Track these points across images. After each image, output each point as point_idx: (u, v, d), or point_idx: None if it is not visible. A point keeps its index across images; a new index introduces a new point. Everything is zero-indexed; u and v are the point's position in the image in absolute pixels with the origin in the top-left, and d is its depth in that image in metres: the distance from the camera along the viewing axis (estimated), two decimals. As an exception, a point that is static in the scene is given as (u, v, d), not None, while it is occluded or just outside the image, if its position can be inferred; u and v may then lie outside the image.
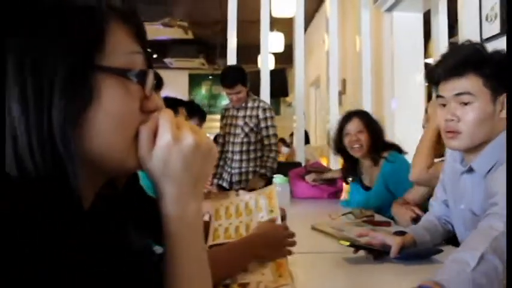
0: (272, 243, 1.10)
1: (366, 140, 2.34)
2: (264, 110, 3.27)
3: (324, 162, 4.86)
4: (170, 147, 0.53)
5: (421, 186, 1.91)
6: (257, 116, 3.27)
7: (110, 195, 0.60)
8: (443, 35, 3.38)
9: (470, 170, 1.29)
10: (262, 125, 3.26)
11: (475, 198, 1.27)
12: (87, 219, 0.50)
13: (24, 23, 0.47)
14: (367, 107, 3.84)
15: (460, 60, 1.25)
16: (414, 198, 1.94)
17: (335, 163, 4.04)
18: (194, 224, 0.58)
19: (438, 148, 1.76)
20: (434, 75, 1.32)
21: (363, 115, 2.45)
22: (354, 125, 2.37)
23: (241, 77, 3.21)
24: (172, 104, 2.32)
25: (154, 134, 0.54)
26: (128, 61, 0.52)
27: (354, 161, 2.47)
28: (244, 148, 3.28)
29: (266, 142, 3.26)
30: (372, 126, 2.39)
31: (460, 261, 0.95)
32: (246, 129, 3.26)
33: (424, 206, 1.79)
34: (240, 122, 3.29)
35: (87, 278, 0.45)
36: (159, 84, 1.27)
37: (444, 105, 1.28)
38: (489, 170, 1.23)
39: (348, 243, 1.33)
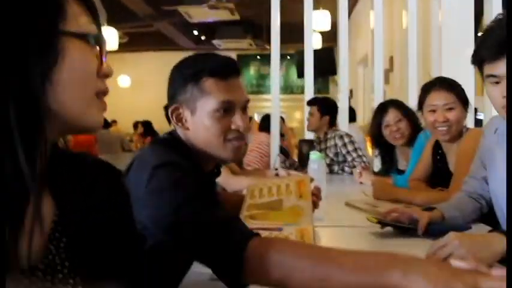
0: None
1: (406, 127, 2.43)
2: (341, 137, 3.25)
3: (368, 142, 4.82)
4: None
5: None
6: (335, 144, 3.24)
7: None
8: (498, 8, 3.21)
9: None
10: (343, 151, 3.21)
11: None
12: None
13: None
14: (413, 84, 3.74)
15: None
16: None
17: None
18: None
19: None
20: (479, 56, 1.25)
21: (398, 104, 2.54)
22: (392, 115, 2.45)
23: (318, 100, 3.45)
24: None
25: None
26: (86, 28, 0.60)
27: (391, 149, 2.59)
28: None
29: (349, 159, 3.20)
30: (408, 112, 2.47)
31: None
32: (327, 161, 3.18)
33: None
34: None
35: None
36: None
37: (497, 82, 1.22)
38: None
39: (375, 220, 1.35)
